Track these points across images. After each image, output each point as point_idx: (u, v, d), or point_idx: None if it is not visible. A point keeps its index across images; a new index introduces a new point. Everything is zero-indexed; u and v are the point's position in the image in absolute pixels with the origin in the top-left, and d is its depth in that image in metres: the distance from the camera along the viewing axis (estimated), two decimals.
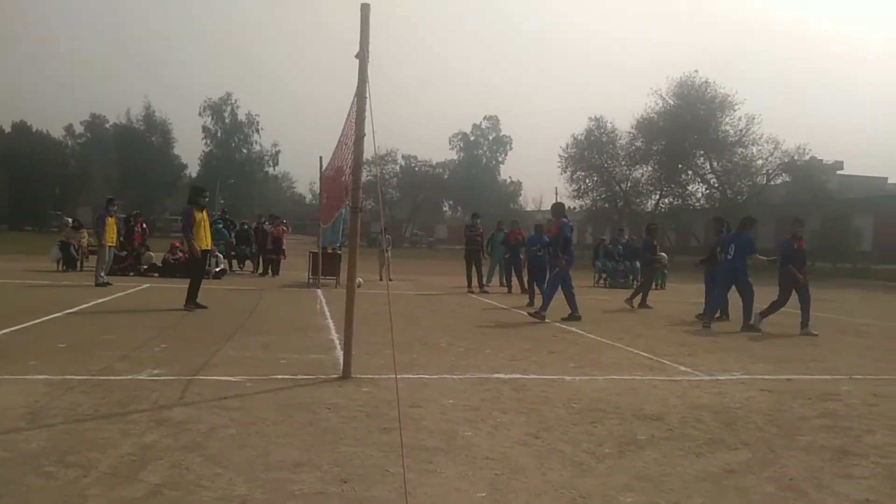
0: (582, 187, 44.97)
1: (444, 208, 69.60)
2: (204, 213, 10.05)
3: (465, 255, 15.83)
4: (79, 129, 62.88)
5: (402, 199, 62.66)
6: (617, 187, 44.42)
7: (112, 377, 5.20)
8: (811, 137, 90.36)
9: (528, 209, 69.35)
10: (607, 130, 44.15)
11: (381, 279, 17.37)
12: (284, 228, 19.02)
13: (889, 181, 48.48)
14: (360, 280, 10.69)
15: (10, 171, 46.92)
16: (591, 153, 44.11)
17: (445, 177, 67.05)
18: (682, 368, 6.56)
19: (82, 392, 4.69)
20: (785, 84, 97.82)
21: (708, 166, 41.58)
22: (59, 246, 16.58)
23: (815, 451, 4.04)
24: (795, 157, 38.40)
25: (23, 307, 9.09)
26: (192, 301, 9.73)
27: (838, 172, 45.04)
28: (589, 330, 9.13)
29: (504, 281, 15.90)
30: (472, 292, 15.08)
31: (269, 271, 17.76)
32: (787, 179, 40.03)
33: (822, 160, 40.59)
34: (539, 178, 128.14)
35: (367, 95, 5.50)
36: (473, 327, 9.16)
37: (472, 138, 69.34)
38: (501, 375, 5.84)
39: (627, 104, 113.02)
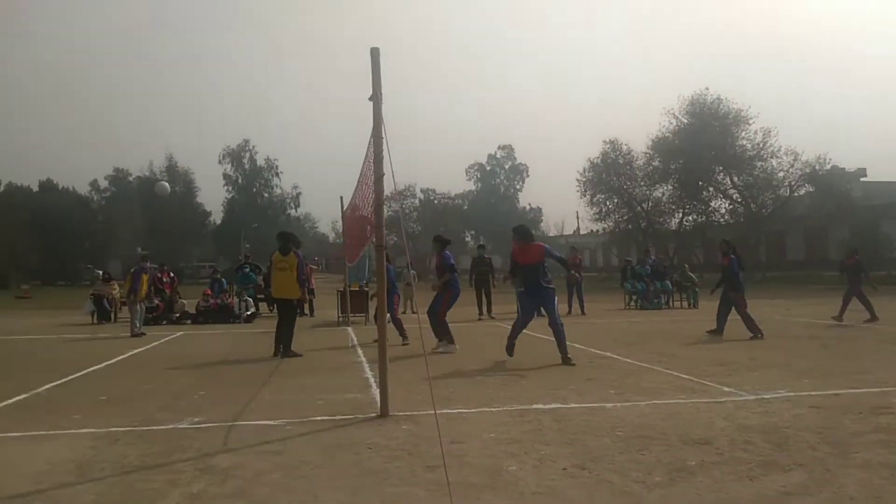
0: (603, 210, 44.87)
1: (467, 238, 69.77)
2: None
3: (475, 284, 16.33)
4: (103, 183, 64.40)
5: (424, 233, 62.94)
6: (638, 208, 44.21)
7: (155, 427, 5.24)
8: (832, 146, 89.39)
9: (551, 234, 69.32)
10: (623, 152, 44.13)
11: (404, 312, 17.43)
12: (314, 267, 19.17)
13: None
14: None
15: (40, 229, 48.09)
16: (609, 175, 44.06)
17: (465, 208, 67.39)
18: (726, 389, 6.44)
19: (127, 444, 4.73)
20: (799, 94, 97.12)
21: (729, 181, 41.28)
22: (91, 299, 16.88)
23: (873, 469, 3.92)
24: (816, 167, 38.07)
25: (62, 361, 9.24)
26: (289, 348, 9.46)
27: (862, 179, 44.35)
28: (624, 354, 9.02)
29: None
30: (482, 319, 15.50)
31: (303, 312, 17.80)
32: (811, 190, 39.58)
33: (843, 168, 40.06)
34: (560, 203, 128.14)
35: (384, 136, 5.57)
36: (506, 357, 9.09)
37: (488, 168, 69.81)
38: (541, 406, 5.78)
39: (641, 125, 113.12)
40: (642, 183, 44.02)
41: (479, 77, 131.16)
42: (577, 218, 60.00)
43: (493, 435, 4.82)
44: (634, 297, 19.10)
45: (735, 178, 40.70)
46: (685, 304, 18.92)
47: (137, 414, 5.69)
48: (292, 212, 66.90)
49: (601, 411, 5.56)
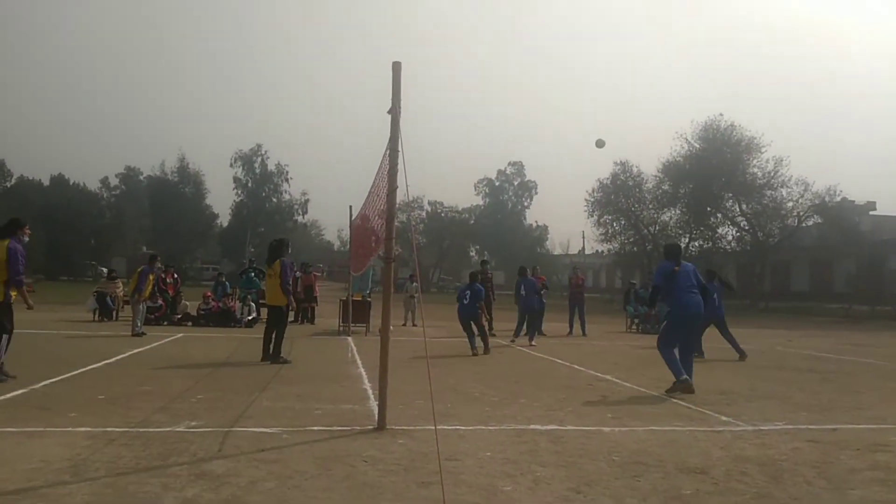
0: (609, 231, 44.93)
1: (472, 253, 69.77)
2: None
3: None
4: (114, 181, 64.81)
5: (429, 245, 63.02)
6: (645, 230, 44.24)
7: (151, 429, 5.24)
8: (842, 178, 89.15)
9: (556, 253, 69.33)
10: (633, 174, 44.23)
11: (404, 324, 17.45)
12: (317, 274, 19.21)
13: None
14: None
15: (48, 223, 48.33)
16: (618, 197, 44.14)
17: (472, 222, 67.46)
18: (724, 418, 6.41)
19: (123, 445, 4.74)
20: (813, 124, 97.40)
21: (737, 209, 41.30)
22: (95, 296, 16.92)
23: None
24: (826, 199, 38.04)
25: (62, 358, 9.27)
26: (278, 354, 9.62)
27: (871, 213, 44.34)
28: (624, 378, 8.99)
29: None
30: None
31: (303, 319, 17.83)
32: (819, 221, 39.53)
33: (853, 201, 40.05)
34: (566, 222, 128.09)
35: (400, 150, 5.61)
36: (506, 375, 9.08)
37: (497, 184, 69.95)
38: (538, 427, 5.77)
39: (652, 148, 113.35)
40: (650, 206, 44.12)
41: (491, 92, 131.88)
42: (583, 238, 59.92)
43: (489, 454, 4.81)
44: (636, 321, 19.05)
45: (744, 206, 40.73)
46: None
47: (134, 415, 5.70)
48: (300, 218, 67.08)
49: (598, 435, 5.54)
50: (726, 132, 39.94)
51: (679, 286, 7.98)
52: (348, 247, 18.39)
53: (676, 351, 7.88)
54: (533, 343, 13.58)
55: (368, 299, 16.27)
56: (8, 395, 6.39)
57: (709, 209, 41.10)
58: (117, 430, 5.15)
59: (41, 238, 45.99)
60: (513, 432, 5.53)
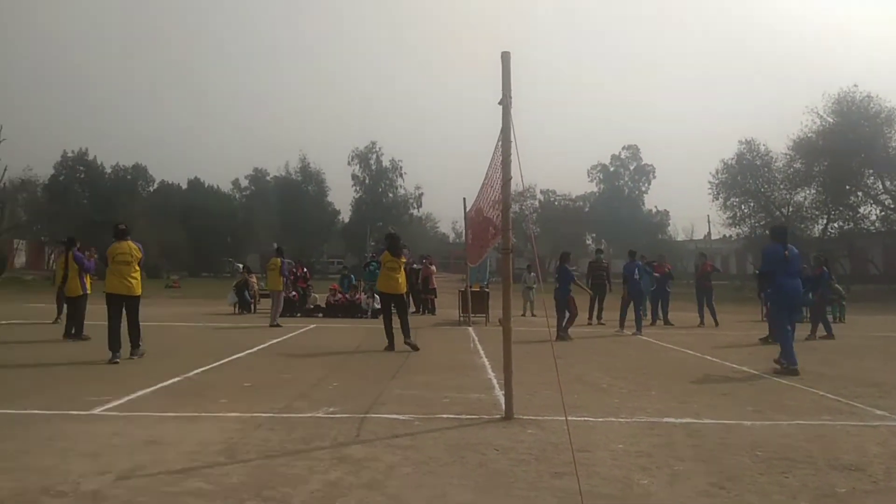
0: (738, 214, 42.57)
1: (588, 241, 68.43)
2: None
3: (591, 289, 15.81)
4: (244, 182, 68.99)
5: (543, 235, 62.49)
6: (777, 213, 41.45)
7: (293, 414, 5.57)
8: None
9: (679, 239, 66.48)
10: (761, 153, 41.56)
11: (523, 314, 17.41)
12: (432, 269, 19.61)
13: None
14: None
15: (187, 224, 52.44)
16: (745, 178, 41.65)
17: (586, 210, 66.16)
18: (878, 412, 5.91)
19: (269, 429, 5.06)
20: None
21: (880, 186, 37.79)
22: (234, 291, 18.18)
23: None
24: None
25: (209, 348, 10.03)
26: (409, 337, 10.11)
27: None
28: (763, 369, 8.49)
29: (652, 315, 16.16)
30: (591, 324, 15.40)
31: (424, 310, 18.27)
32: None
33: None
34: (689, 207, 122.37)
35: (513, 139, 5.58)
36: (633, 366, 8.85)
37: (611, 169, 68.18)
38: (672, 419, 5.57)
39: (781, 125, 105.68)
40: (782, 186, 41.29)
41: (604, 75, 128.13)
42: (709, 222, 57.05)
43: (621, 446, 4.71)
44: None
45: (887, 183, 37.19)
46: (830, 317, 17.47)
47: (278, 401, 6.07)
48: (415, 211, 68.76)
49: (738, 428, 5.27)
50: (863, 104, 36.61)
51: (784, 270, 8.32)
52: (464, 238, 18.60)
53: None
54: (636, 332, 13.13)
55: (486, 290, 16.38)
56: (167, 383, 6.99)
57: (848, 187, 37.89)
58: (263, 415, 5.51)
59: (184, 238, 50.05)
60: (645, 424, 5.38)
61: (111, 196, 51.73)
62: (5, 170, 44.92)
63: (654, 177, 67.85)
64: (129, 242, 8.87)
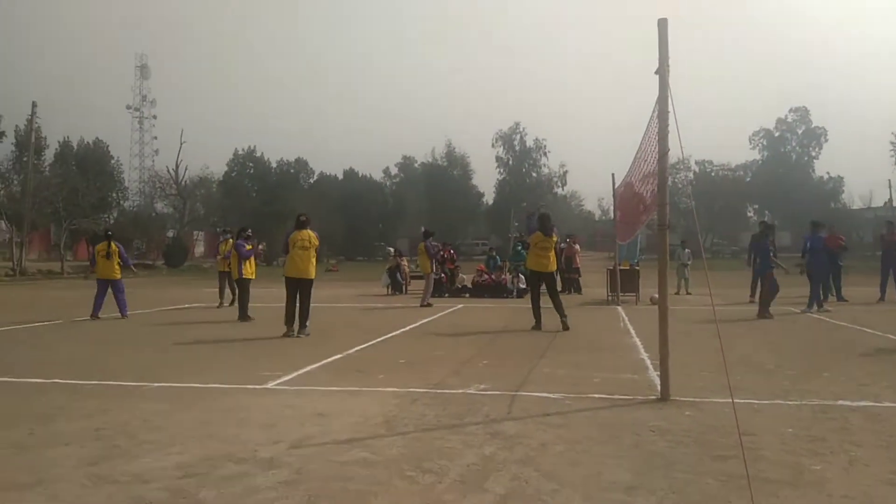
0: None
1: (749, 213, 63.80)
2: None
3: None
4: (394, 170, 71.54)
5: (698, 208, 59.07)
6: None
7: (447, 390, 5.76)
8: None
9: (855, 207, 60.11)
10: None
11: (677, 292, 16.62)
12: (577, 248, 19.29)
13: None
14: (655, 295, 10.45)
15: (344, 211, 55.47)
16: None
17: (747, 180, 61.69)
18: None
19: (424, 404, 5.28)
20: None
21: None
22: (387, 273, 19.05)
23: None
24: None
25: (366, 327, 10.61)
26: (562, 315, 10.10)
27: None
28: None
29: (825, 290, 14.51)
30: (753, 301, 13.95)
31: (570, 289, 18.05)
32: None
33: None
34: (866, 172, 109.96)
35: (671, 109, 5.33)
36: (803, 346, 8.22)
37: (776, 134, 62.88)
38: (848, 403, 5.12)
39: None
40: None
41: (763, 28, 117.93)
42: (890, 187, 50.92)
43: (791, 430, 4.40)
44: None
45: None
46: None
47: (432, 377, 6.31)
48: (559, 190, 67.73)
49: None
50: None
51: None
52: (611, 216, 18.07)
53: None
54: (805, 310, 12.07)
55: (637, 268, 15.84)
56: (330, 359, 7.50)
57: None
58: (419, 390, 5.75)
59: (341, 225, 53.04)
60: (817, 408, 4.98)
61: (276, 188, 55.82)
62: (186, 169, 50.03)
63: (826, 140, 61.76)
64: (309, 231, 9.76)
